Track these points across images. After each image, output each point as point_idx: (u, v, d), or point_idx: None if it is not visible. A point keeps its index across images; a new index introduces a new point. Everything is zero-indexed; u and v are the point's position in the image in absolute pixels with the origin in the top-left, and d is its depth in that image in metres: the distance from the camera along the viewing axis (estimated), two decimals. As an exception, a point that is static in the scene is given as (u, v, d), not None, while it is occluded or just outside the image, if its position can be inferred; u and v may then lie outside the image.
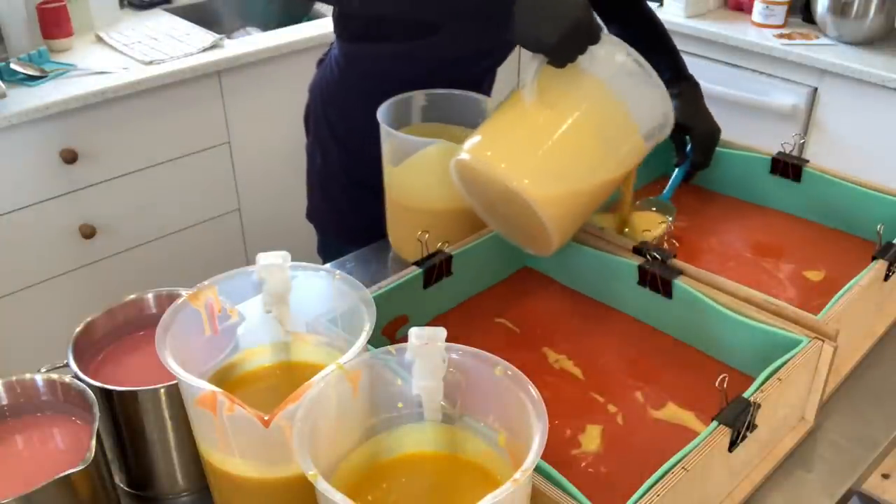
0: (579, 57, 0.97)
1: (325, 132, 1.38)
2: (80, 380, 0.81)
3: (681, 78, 1.28)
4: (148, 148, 2.04)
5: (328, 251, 1.41)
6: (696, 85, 1.28)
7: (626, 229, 1.18)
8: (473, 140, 1.01)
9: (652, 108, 1.04)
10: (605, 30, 1.00)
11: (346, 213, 1.39)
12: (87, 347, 0.88)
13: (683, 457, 0.74)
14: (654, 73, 1.02)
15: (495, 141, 1.01)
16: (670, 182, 1.26)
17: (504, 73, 1.44)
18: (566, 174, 0.99)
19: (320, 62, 1.41)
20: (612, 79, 1.00)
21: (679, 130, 1.17)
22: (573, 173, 1.00)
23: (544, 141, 0.99)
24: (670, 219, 1.21)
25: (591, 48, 0.97)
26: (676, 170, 1.27)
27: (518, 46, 1.34)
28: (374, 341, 0.78)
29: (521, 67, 2.84)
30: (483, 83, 1.40)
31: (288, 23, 2.30)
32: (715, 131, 1.26)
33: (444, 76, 1.24)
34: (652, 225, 1.17)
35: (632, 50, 1.01)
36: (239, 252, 2.33)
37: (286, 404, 0.67)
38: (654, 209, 1.24)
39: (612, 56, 1.00)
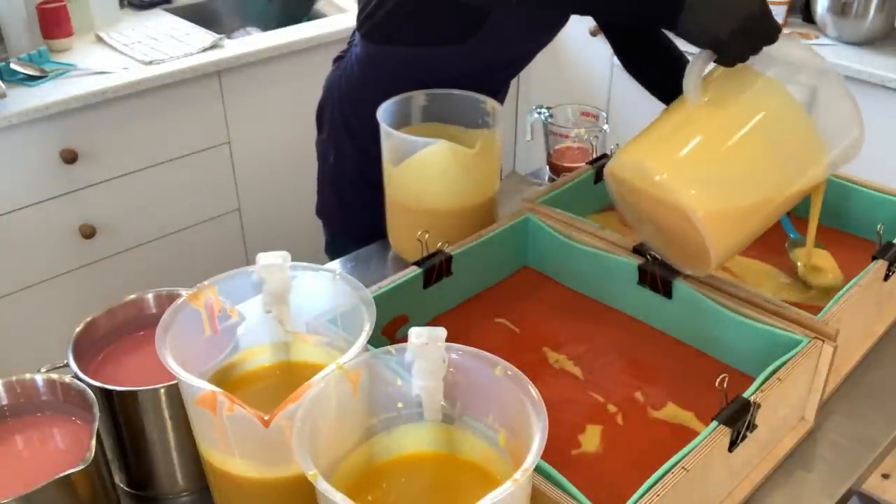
0: (755, 58, 0.89)
1: (341, 129, 1.37)
2: (80, 380, 0.81)
3: None
4: (148, 148, 2.04)
5: (336, 250, 1.41)
6: None
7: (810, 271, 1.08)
8: (632, 145, 0.94)
9: (840, 122, 0.92)
10: (784, 30, 0.92)
11: (356, 212, 1.39)
12: (87, 347, 0.88)
13: (683, 457, 0.74)
14: (843, 85, 0.91)
15: (655, 146, 0.92)
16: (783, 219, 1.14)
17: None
18: (733, 189, 0.89)
19: (338, 59, 1.41)
20: (793, 85, 0.90)
21: None
22: (742, 188, 0.90)
23: (710, 149, 0.90)
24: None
25: (769, 49, 0.89)
26: None
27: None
28: (374, 341, 0.78)
29: (519, 79, 2.85)
30: (500, 92, 1.40)
31: (288, 23, 2.30)
32: None
33: (466, 83, 1.23)
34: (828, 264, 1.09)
35: (819, 55, 0.91)
36: (239, 252, 2.33)
37: (286, 404, 0.67)
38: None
39: (793, 59, 0.91)
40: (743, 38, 0.88)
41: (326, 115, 1.41)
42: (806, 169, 0.93)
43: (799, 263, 1.11)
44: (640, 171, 0.92)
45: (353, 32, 1.35)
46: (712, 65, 0.93)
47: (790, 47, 0.91)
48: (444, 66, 1.24)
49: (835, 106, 0.92)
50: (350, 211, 1.41)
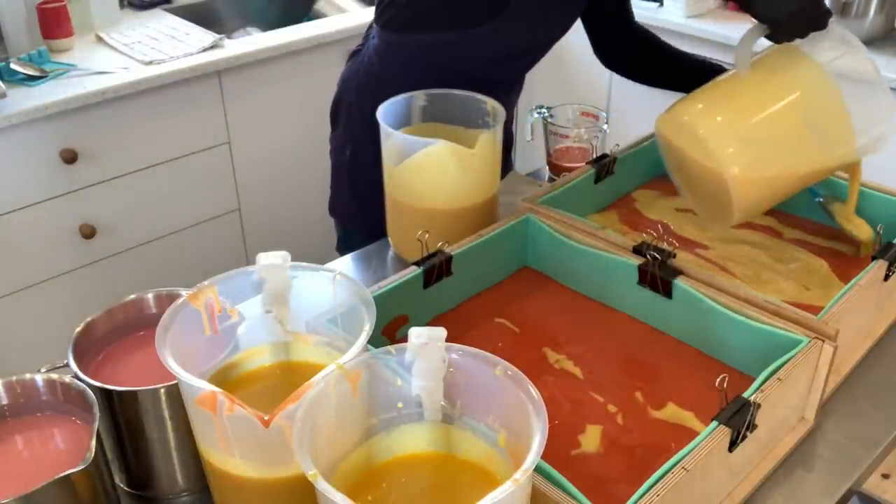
0: (801, 41, 1.00)
1: (359, 123, 1.38)
2: (80, 380, 0.81)
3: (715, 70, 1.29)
4: (148, 148, 2.04)
5: (348, 247, 1.42)
6: None
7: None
8: (681, 104, 1.04)
9: (872, 111, 1.02)
10: (835, 21, 1.02)
11: (372, 206, 1.39)
12: (87, 347, 0.88)
13: (683, 457, 0.74)
14: (880, 76, 1.01)
15: (703, 108, 1.03)
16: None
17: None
18: (766, 154, 1.00)
19: (354, 53, 1.43)
20: (832, 68, 1.00)
21: None
22: (773, 155, 1.00)
23: (755, 115, 1.01)
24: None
25: (816, 35, 1.00)
26: None
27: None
28: (374, 341, 0.78)
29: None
30: (515, 85, 1.42)
31: (288, 23, 2.30)
32: None
33: (485, 71, 1.26)
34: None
35: (860, 46, 1.01)
36: (239, 252, 2.33)
37: (286, 404, 0.67)
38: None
39: (835, 46, 1.01)
40: (799, 20, 0.98)
41: (343, 109, 1.42)
42: (834, 148, 1.03)
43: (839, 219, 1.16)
44: (683, 128, 1.02)
45: (370, 27, 1.36)
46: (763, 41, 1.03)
47: (835, 36, 1.00)
48: (466, 51, 1.26)
49: (868, 94, 1.01)
50: (365, 204, 1.41)
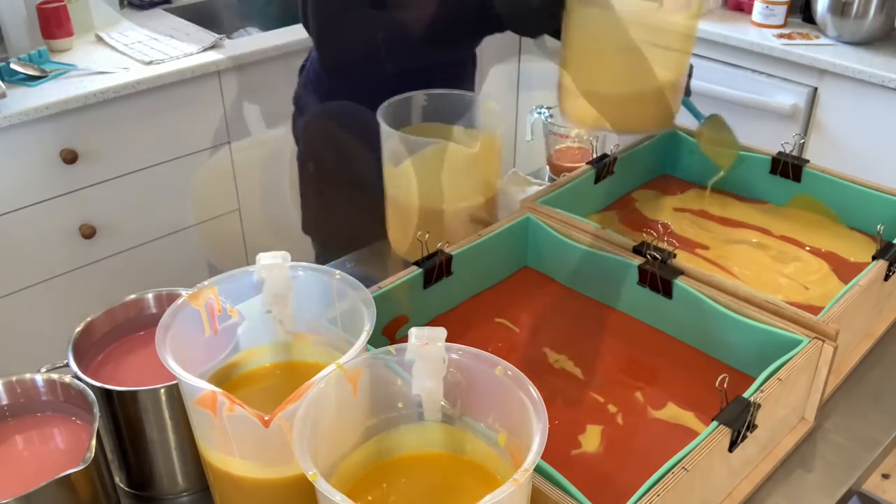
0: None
1: (317, 137, 1.38)
2: (80, 380, 0.81)
3: None
4: (148, 148, 2.04)
5: (328, 262, 1.42)
6: None
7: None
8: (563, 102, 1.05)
9: None
10: None
11: (344, 218, 1.39)
12: (87, 347, 0.88)
13: (683, 457, 0.74)
14: None
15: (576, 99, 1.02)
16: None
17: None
18: (641, 90, 0.99)
19: (301, 69, 1.42)
20: None
21: None
22: (646, 85, 0.99)
23: (606, 77, 1.00)
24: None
25: None
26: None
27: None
28: (374, 341, 0.78)
29: (519, 79, 2.85)
30: (466, 63, 1.41)
31: (288, 23, 2.30)
32: None
33: (422, 60, 1.26)
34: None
35: None
36: (239, 252, 2.33)
37: (286, 404, 0.67)
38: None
39: None
40: (549, 8, 0.94)
41: (299, 125, 1.42)
42: (674, 35, 1.00)
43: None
44: (582, 123, 1.09)
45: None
46: None
47: None
48: (399, 33, 1.25)
49: None
50: (337, 218, 1.41)
